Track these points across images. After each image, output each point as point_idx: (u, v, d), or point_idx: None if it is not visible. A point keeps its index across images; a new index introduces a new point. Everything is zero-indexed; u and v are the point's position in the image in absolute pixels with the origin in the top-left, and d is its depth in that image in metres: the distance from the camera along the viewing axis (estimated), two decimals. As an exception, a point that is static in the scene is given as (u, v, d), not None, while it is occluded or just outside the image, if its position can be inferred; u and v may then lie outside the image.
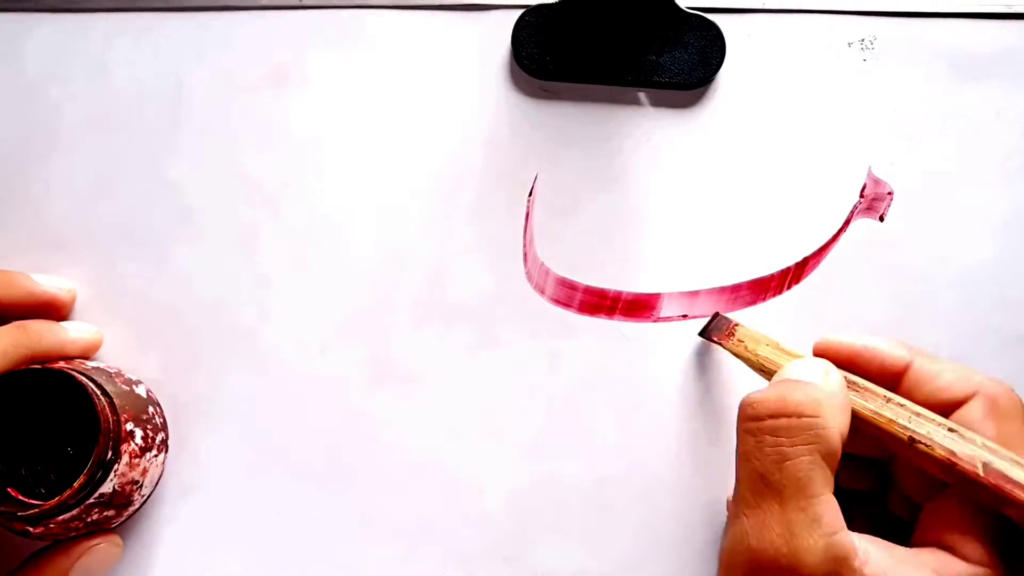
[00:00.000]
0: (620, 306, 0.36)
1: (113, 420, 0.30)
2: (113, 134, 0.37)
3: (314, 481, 0.35)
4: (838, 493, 0.25)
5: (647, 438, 0.35)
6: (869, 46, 0.37)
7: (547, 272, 0.36)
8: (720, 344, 0.32)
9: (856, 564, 0.21)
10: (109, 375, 0.33)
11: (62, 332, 0.34)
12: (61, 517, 0.29)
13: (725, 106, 0.37)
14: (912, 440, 0.24)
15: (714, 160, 0.37)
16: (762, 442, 0.23)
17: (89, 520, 0.31)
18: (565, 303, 0.36)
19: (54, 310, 0.35)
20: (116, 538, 0.33)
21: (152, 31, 0.38)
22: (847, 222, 0.36)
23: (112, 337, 0.36)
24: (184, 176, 0.37)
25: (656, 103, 0.37)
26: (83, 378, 0.30)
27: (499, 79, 0.37)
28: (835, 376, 0.25)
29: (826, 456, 0.23)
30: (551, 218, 0.36)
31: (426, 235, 0.36)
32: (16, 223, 0.37)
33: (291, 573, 0.35)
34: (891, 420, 0.24)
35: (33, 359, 0.32)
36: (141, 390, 0.34)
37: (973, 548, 0.22)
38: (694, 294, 0.36)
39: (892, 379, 0.26)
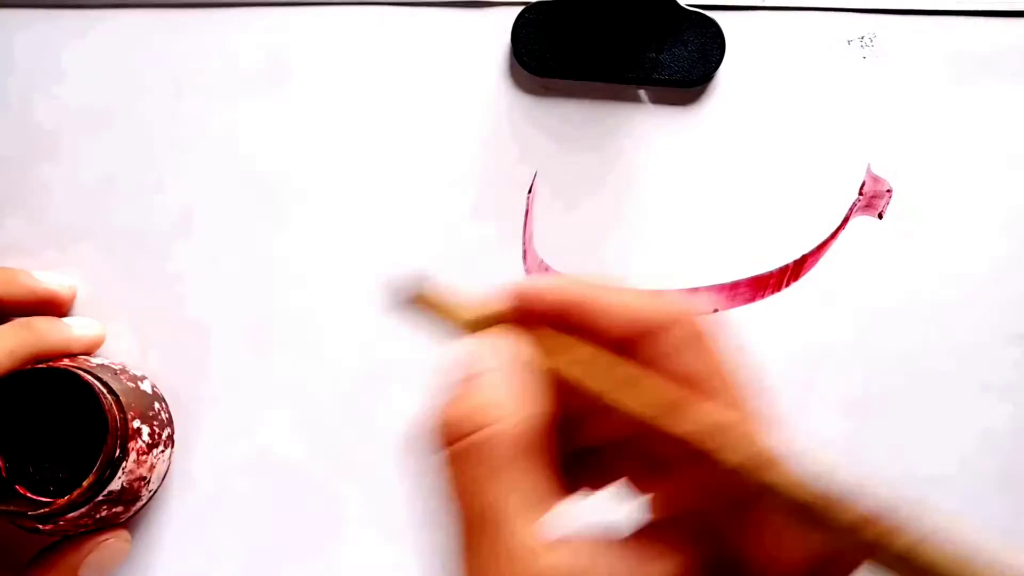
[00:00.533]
0: (620, 303, 0.36)
1: (120, 418, 0.31)
2: (113, 131, 0.37)
3: (316, 477, 0.35)
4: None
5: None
6: (869, 43, 0.37)
7: (546, 269, 0.36)
8: (422, 310, 0.26)
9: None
10: (114, 372, 0.33)
11: (66, 329, 0.34)
12: (70, 515, 0.30)
13: (725, 103, 0.37)
14: (594, 400, 0.20)
15: (714, 157, 0.37)
16: (451, 477, 0.20)
17: (98, 516, 0.31)
18: (565, 300, 0.36)
19: (55, 307, 0.35)
20: (125, 533, 0.33)
21: (151, 27, 0.37)
22: (846, 219, 0.36)
23: (114, 333, 0.36)
24: (184, 173, 0.37)
25: (656, 100, 0.37)
26: (90, 377, 0.30)
27: (499, 76, 0.37)
28: (512, 344, 0.21)
29: (519, 458, 0.19)
30: (551, 215, 0.37)
31: (426, 232, 0.37)
32: (16, 221, 0.37)
33: (294, 566, 0.35)
34: (573, 380, 0.20)
35: (38, 357, 0.32)
36: (146, 386, 0.34)
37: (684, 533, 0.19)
38: (693, 291, 0.36)
39: (564, 323, 0.21)
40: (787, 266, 0.36)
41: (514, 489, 0.19)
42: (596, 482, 0.23)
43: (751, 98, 0.37)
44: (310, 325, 0.36)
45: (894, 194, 0.36)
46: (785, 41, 0.37)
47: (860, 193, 0.36)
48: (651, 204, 0.36)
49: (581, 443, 0.22)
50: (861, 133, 0.36)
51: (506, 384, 0.21)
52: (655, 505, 0.21)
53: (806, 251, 0.36)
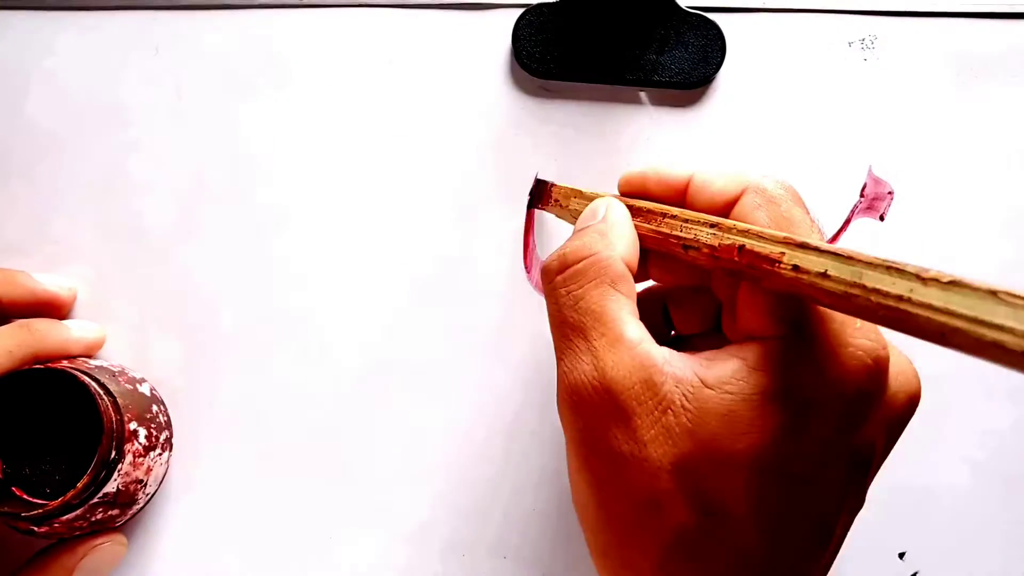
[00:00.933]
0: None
1: (116, 420, 0.30)
2: (112, 131, 0.37)
3: (316, 478, 0.35)
4: (681, 340, 0.28)
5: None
6: (870, 45, 0.37)
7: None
8: (546, 210, 0.32)
9: (663, 366, 0.22)
10: (112, 374, 0.33)
11: (65, 331, 0.34)
12: (65, 517, 0.30)
13: (725, 105, 0.37)
14: (685, 246, 0.24)
15: (714, 159, 0.36)
16: (558, 296, 0.24)
17: (93, 519, 0.31)
18: (566, 302, 0.36)
19: (55, 309, 0.35)
20: (121, 537, 0.33)
21: (152, 29, 0.38)
22: (847, 222, 0.36)
23: (114, 335, 0.36)
24: (185, 173, 0.37)
25: (656, 102, 0.37)
26: (86, 378, 0.30)
27: (499, 78, 0.37)
28: (616, 208, 0.26)
29: (616, 282, 0.24)
30: (552, 217, 0.36)
31: (426, 234, 0.37)
32: (17, 221, 0.37)
33: (294, 569, 0.35)
34: (667, 234, 0.25)
35: (37, 358, 0.32)
36: (145, 388, 0.34)
37: (763, 326, 0.23)
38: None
39: (679, 197, 0.27)
40: (789, 268, 0.36)
41: (616, 298, 0.24)
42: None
43: (752, 100, 0.37)
44: (310, 325, 0.36)
45: (896, 196, 0.36)
46: (786, 43, 0.37)
47: (861, 195, 0.36)
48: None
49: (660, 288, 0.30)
50: (862, 135, 0.36)
51: (617, 226, 0.25)
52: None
53: (808, 253, 0.36)
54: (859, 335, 0.22)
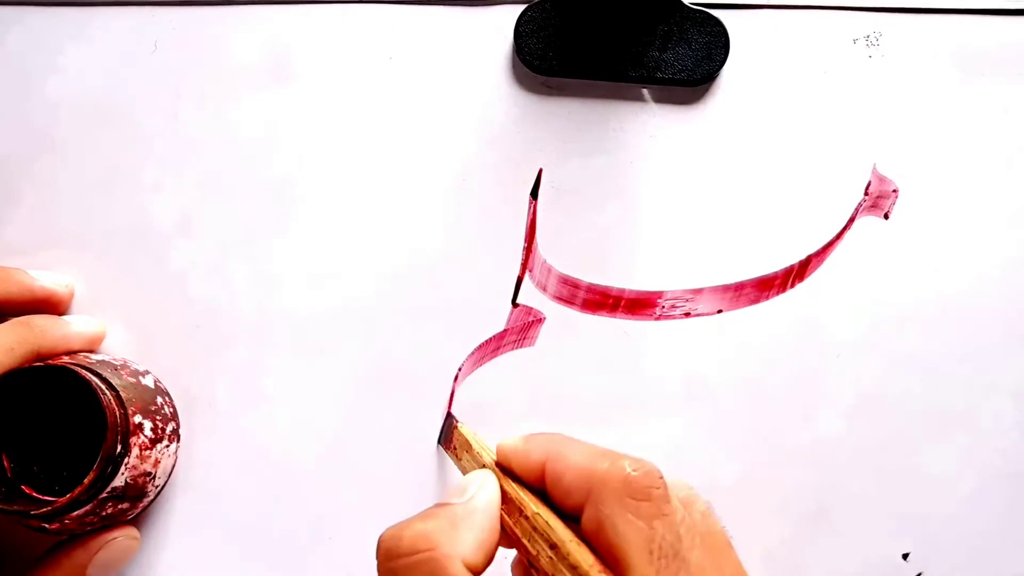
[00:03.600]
0: (623, 304, 0.36)
1: (120, 414, 0.30)
2: (112, 128, 0.37)
3: (316, 477, 0.35)
4: None
5: (650, 436, 0.35)
6: (875, 42, 0.36)
7: (549, 269, 0.36)
8: (447, 453, 0.30)
9: None
10: (115, 367, 0.33)
11: (65, 326, 0.33)
12: (75, 513, 0.30)
13: (729, 102, 0.36)
14: (529, 560, 0.22)
15: (718, 157, 0.36)
16: None
17: (104, 514, 0.31)
18: (567, 301, 0.36)
19: (52, 306, 0.35)
20: (133, 530, 0.33)
21: (151, 25, 0.37)
22: (851, 220, 0.36)
23: (116, 331, 0.36)
24: (185, 171, 0.37)
25: (659, 99, 0.37)
26: (87, 373, 0.30)
27: (501, 75, 0.37)
28: (486, 492, 0.23)
29: None
30: (553, 214, 0.36)
31: (428, 231, 0.37)
32: (16, 221, 0.37)
33: (296, 564, 0.35)
34: (519, 537, 0.22)
35: (38, 355, 0.32)
36: (148, 380, 0.34)
37: None
38: (697, 292, 0.36)
39: (541, 483, 0.23)
40: (792, 267, 0.36)
41: None
42: None
43: (755, 97, 0.36)
44: (310, 325, 0.36)
45: (900, 194, 0.35)
46: (789, 39, 0.36)
47: (866, 193, 0.36)
48: (654, 204, 0.36)
49: None
50: (867, 132, 0.36)
51: (476, 514, 0.22)
52: None
53: (811, 252, 0.36)
54: None
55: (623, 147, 0.36)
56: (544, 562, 0.21)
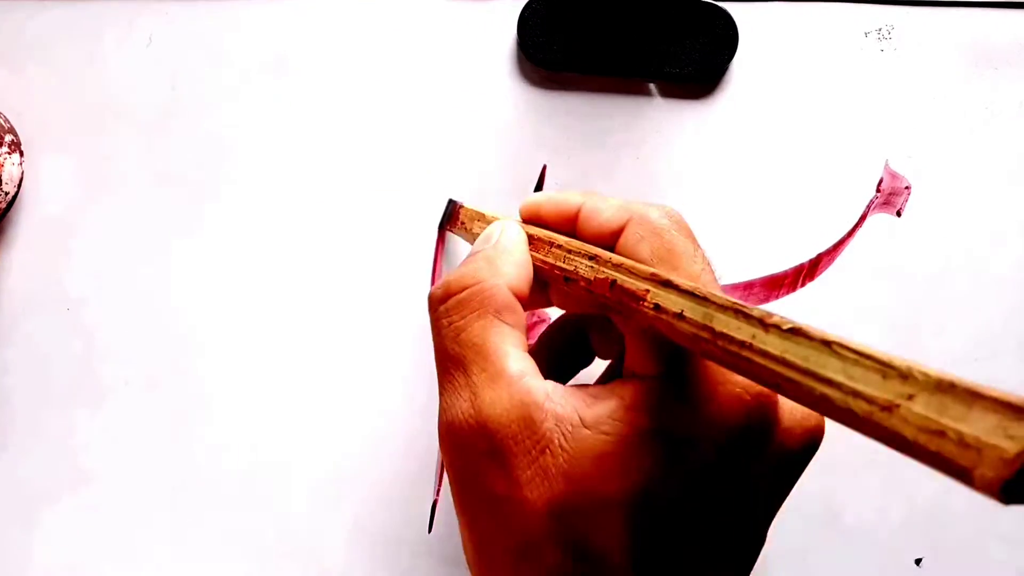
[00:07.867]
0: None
1: None
2: (110, 125, 0.36)
3: (316, 477, 0.35)
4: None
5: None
6: (887, 36, 0.36)
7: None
8: (454, 232, 0.32)
9: (544, 404, 0.21)
10: None
11: None
12: None
13: (738, 98, 0.36)
14: (566, 278, 0.23)
15: (726, 154, 0.36)
16: (440, 327, 0.23)
17: None
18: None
19: None
20: None
21: (146, 19, 0.37)
22: (863, 217, 0.35)
23: (114, 332, 0.35)
24: (180, 167, 0.36)
25: (666, 95, 0.36)
26: None
27: (504, 69, 0.36)
28: (509, 232, 0.25)
29: (501, 312, 0.23)
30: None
31: (430, 226, 0.36)
32: (15, 220, 0.36)
33: (291, 566, 0.34)
34: (552, 264, 0.24)
35: None
36: None
37: (643, 364, 0.22)
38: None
39: (571, 226, 0.26)
40: (802, 265, 0.35)
41: (499, 330, 0.22)
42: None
43: (765, 92, 0.36)
44: (310, 324, 0.35)
45: (913, 191, 0.35)
46: (800, 33, 0.36)
47: (878, 190, 0.35)
48: (661, 201, 0.35)
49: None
50: (879, 128, 0.35)
51: (508, 252, 0.24)
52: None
53: (822, 250, 0.35)
54: None
55: (629, 143, 0.36)
56: (584, 271, 0.23)
